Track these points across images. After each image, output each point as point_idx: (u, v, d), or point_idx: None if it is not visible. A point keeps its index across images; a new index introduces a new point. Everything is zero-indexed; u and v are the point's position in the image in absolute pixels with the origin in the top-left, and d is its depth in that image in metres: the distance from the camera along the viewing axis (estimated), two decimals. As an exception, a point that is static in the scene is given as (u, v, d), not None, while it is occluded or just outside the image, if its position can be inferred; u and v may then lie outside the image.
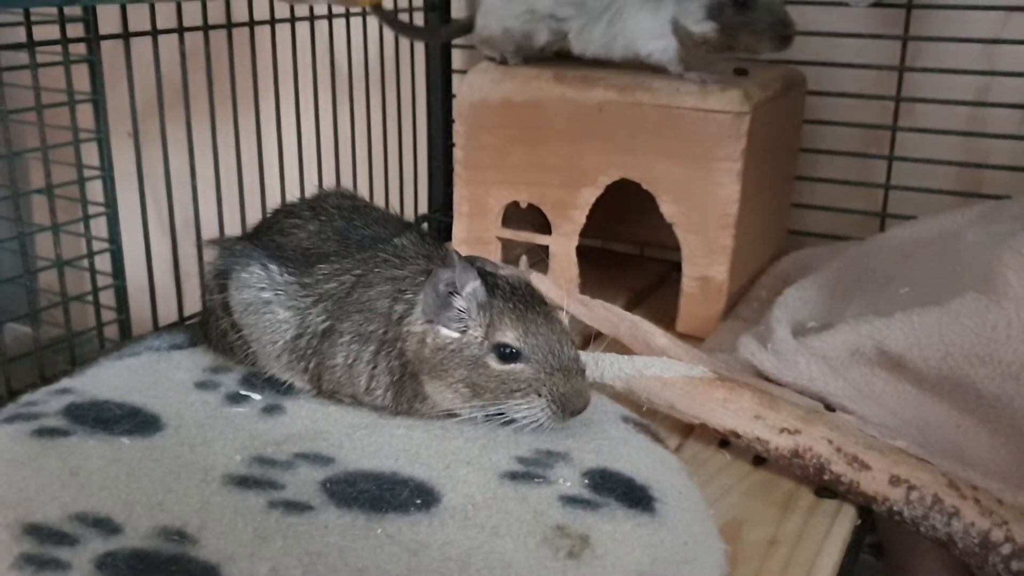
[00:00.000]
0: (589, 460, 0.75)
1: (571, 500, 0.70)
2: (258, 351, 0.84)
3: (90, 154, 1.07)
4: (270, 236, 0.87)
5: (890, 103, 1.29)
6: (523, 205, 1.17)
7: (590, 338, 1.00)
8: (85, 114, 1.05)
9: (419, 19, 1.42)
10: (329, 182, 1.27)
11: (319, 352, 0.81)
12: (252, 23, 1.14)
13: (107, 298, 1.11)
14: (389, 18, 1.29)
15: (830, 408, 0.86)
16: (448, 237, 1.25)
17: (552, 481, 0.73)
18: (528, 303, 0.78)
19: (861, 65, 1.30)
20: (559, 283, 1.06)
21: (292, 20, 1.19)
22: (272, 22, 1.17)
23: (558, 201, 1.14)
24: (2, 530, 0.63)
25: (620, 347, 0.94)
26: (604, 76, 1.10)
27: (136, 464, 0.72)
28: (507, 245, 1.21)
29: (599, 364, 0.88)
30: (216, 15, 1.10)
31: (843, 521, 0.76)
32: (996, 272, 0.86)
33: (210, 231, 1.10)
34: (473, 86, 1.16)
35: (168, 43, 1.05)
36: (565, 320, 0.80)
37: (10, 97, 0.94)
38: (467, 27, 1.26)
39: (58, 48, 0.97)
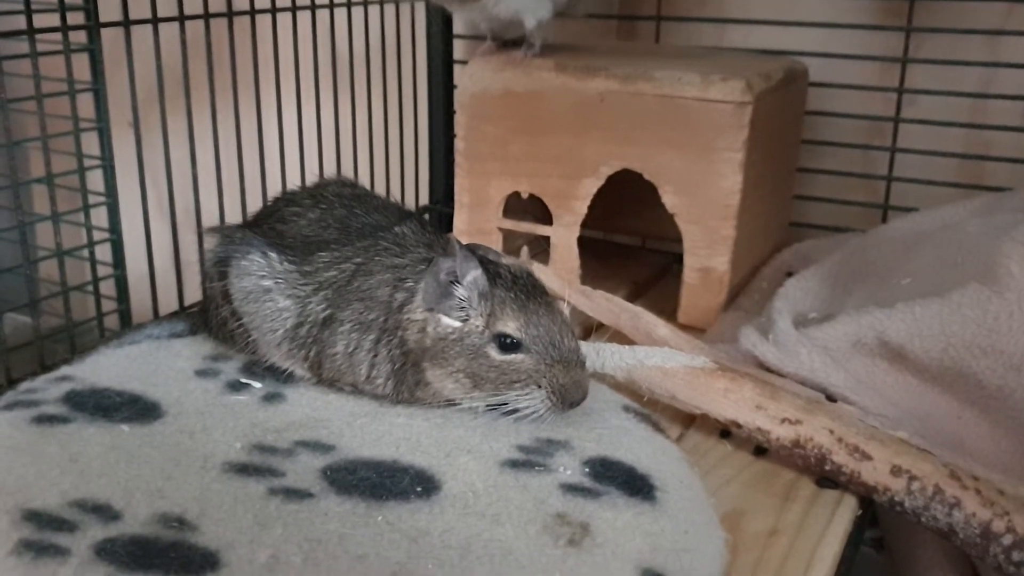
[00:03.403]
0: (590, 449, 0.75)
1: (572, 488, 0.70)
2: (258, 339, 0.84)
3: (90, 143, 1.07)
4: (270, 224, 0.87)
5: (893, 95, 1.29)
6: (524, 196, 1.17)
7: (591, 329, 1.00)
8: (85, 103, 1.05)
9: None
10: (330, 172, 1.27)
11: (319, 340, 0.81)
12: (253, 11, 1.14)
13: (107, 288, 1.11)
14: None
15: (831, 399, 0.85)
16: (449, 228, 1.25)
17: (553, 469, 0.72)
18: (529, 293, 0.78)
19: (864, 56, 1.30)
20: (560, 274, 1.06)
21: (293, 9, 1.19)
22: (273, 11, 1.16)
23: (559, 192, 1.14)
24: (2, 516, 0.63)
25: (621, 338, 0.94)
26: (606, 66, 1.10)
27: (136, 451, 0.72)
28: (508, 236, 1.21)
29: (600, 354, 0.88)
30: (217, 3, 1.09)
31: (844, 512, 0.76)
32: (998, 263, 0.86)
33: (211, 220, 1.09)
34: (474, 76, 1.16)
35: (169, 32, 1.04)
36: (566, 311, 0.80)
37: (10, 86, 0.94)
38: None
39: (58, 36, 0.97)
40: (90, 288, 1.09)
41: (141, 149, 1.05)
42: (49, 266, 1.05)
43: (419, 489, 0.69)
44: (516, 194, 1.17)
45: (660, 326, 0.93)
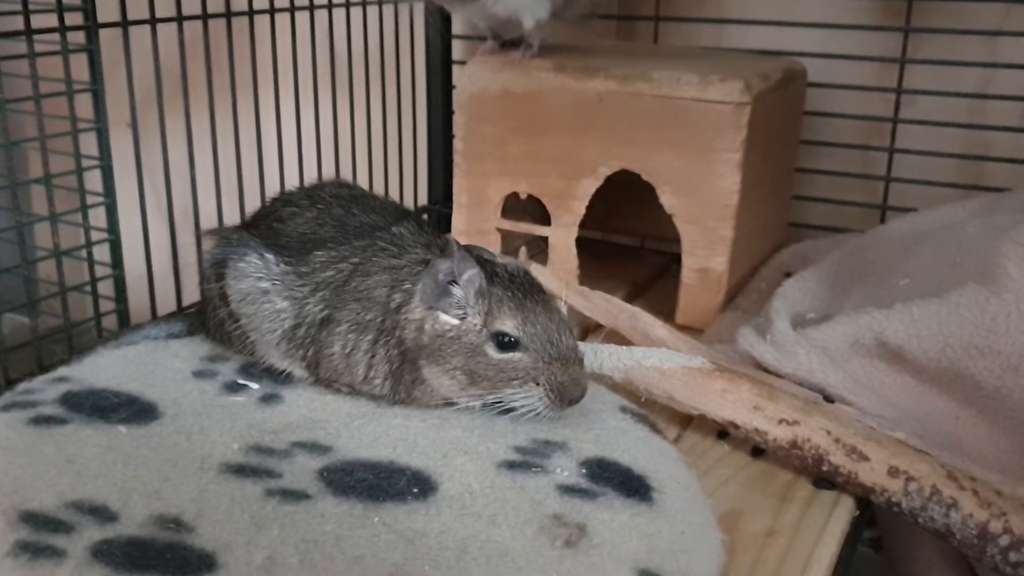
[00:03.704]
0: (587, 450, 0.75)
1: (568, 489, 0.70)
2: (256, 340, 0.84)
3: (89, 144, 1.07)
4: (267, 224, 0.87)
5: (891, 95, 1.29)
6: (523, 196, 1.17)
7: (589, 329, 1.00)
8: (84, 104, 1.05)
9: None
10: (328, 173, 1.27)
11: (317, 341, 0.81)
12: (251, 12, 1.14)
13: (106, 288, 1.11)
14: None
15: (829, 399, 0.85)
16: (448, 228, 1.25)
17: (550, 470, 0.72)
18: (527, 292, 0.78)
19: (862, 57, 1.30)
20: (558, 274, 1.06)
21: (292, 9, 1.19)
22: (271, 11, 1.16)
23: (558, 192, 1.14)
24: (-2, 517, 0.63)
25: (619, 338, 0.94)
26: (604, 66, 1.10)
27: (133, 452, 0.72)
28: (507, 236, 1.21)
29: (598, 355, 0.88)
30: (215, 4, 1.09)
31: (841, 512, 0.76)
32: (996, 264, 0.86)
33: (209, 221, 1.10)
34: (473, 77, 1.16)
35: (167, 32, 1.04)
36: (564, 311, 0.80)
37: (8, 86, 0.94)
38: None
39: (56, 37, 0.97)
40: (88, 288, 1.09)
41: (139, 149, 1.05)
42: (47, 266, 1.05)
43: (416, 490, 0.69)
44: (515, 194, 1.17)
45: (658, 326, 0.93)
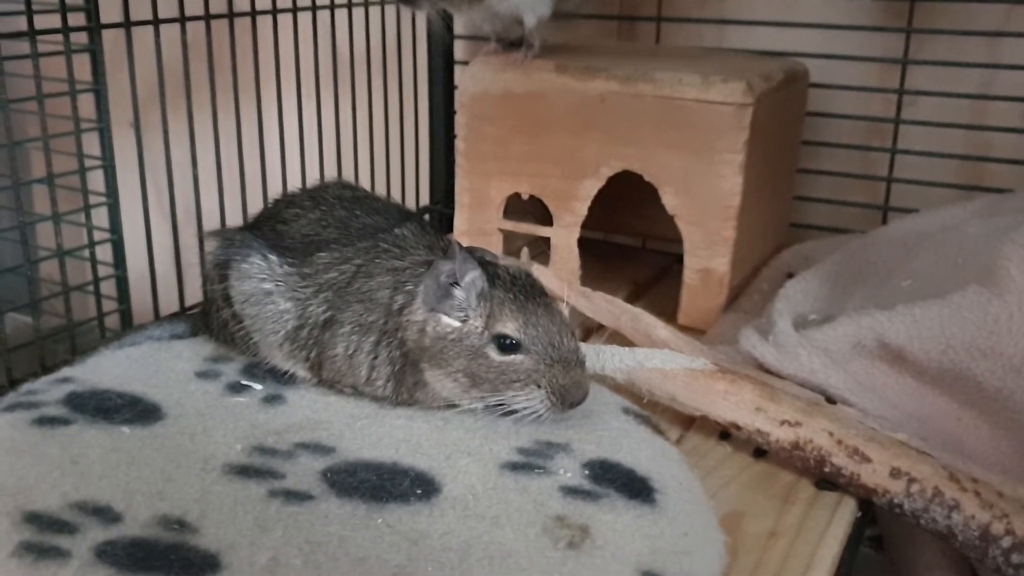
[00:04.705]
0: (590, 451, 0.75)
1: (571, 491, 0.70)
2: (259, 341, 0.84)
3: (91, 144, 1.07)
4: (271, 226, 0.87)
5: (893, 96, 1.29)
6: (525, 196, 1.17)
7: (591, 330, 1.00)
8: (86, 103, 1.05)
9: None
10: (330, 173, 1.27)
11: (320, 342, 0.81)
12: (254, 12, 1.14)
13: (108, 288, 1.11)
14: None
15: (831, 401, 0.85)
16: (449, 229, 1.25)
17: (552, 472, 0.73)
18: (528, 294, 0.78)
19: (864, 58, 1.30)
20: (560, 275, 1.06)
21: (294, 10, 1.19)
22: (274, 12, 1.16)
23: (560, 192, 1.14)
24: (2, 518, 0.63)
25: (621, 339, 0.94)
26: (606, 67, 1.10)
27: (136, 453, 0.72)
28: (508, 237, 1.21)
29: (600, 356, 0.88)
30: (218, 4, 1.09)
31: (843, 513, 0.76)
32: (998, 265, 0.86)
33: (211, 221, 1.10)
34: (475, 77, 1.16)
35: (170, 32, 1.05)
36: (565, 312, 0.80)
37: (11, 86, 0.94)
38: None
39: (59, 37, 0.97)
40: (91, 288, 1.09)
41: (142, 149, 1.05)
42: (50, 266, 1.05)
43: (419, 491, 0.70)
44: (517, 195, 1.18)
45: (660, 327, 0.93)
